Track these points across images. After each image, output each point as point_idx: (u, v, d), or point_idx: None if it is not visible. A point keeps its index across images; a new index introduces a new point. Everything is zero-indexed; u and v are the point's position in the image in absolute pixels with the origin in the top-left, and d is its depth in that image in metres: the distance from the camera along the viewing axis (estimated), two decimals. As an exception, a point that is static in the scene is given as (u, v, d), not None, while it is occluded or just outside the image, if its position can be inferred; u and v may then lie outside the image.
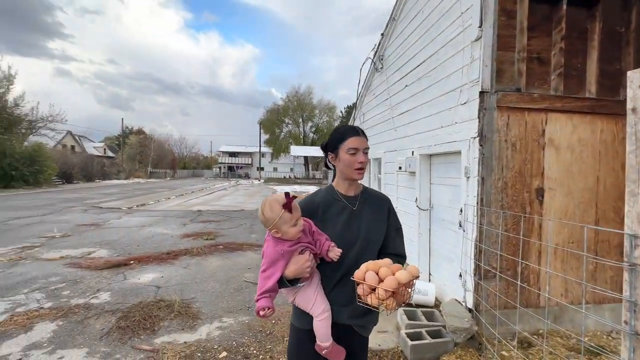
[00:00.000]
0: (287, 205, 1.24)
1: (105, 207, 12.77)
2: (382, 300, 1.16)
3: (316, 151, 39.32)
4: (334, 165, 1.47)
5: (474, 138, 3.10)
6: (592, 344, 2.95)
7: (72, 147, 41.17)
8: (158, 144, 53.11)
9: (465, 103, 3.26)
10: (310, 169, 47.38)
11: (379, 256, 1.44)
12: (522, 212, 3.10)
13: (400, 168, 4.81)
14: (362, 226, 1.42)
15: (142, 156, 48.25)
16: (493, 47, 3.03)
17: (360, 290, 1.22)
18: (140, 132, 55.58)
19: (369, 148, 1.42)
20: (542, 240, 3.14)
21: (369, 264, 1.24)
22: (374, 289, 1.18)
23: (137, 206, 13.40)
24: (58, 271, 5.08)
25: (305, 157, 45.08)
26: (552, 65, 3.25)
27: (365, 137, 1.43)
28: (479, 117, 3.06)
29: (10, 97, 22.88)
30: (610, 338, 3.21)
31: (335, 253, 1.34)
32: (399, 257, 1.46)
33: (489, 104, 3.03)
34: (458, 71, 3.38)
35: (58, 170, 25.24)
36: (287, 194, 1.26)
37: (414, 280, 1.22)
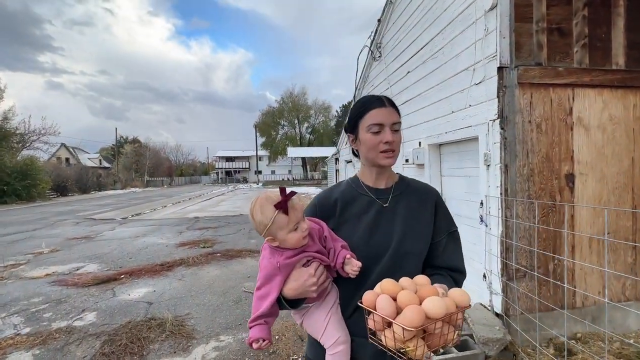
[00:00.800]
0: (281, 205, 0.91)
1: (99, 219, 12.35)
2: (403, 343, 0.74)
3: (313, 152, 38.99)
4: (358, 152, 1.11)
5: (494, 120, 2.75)
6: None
7: (67, 159, 40.64)
8: (154, 153, 52.59)
9: (480, 82, 2.91)
10: (308, 170, 47.00)
11: (423, 272, 1.05)
12: (551, 201, 2.75)
13: (407, 161, 4.45)
14: (395, 229, 1.03)
15: (138, 165, 47.72)
16: (511, 17, 2.68)
17: (371, 322, 0.82)
18: (135, 141, 55.08)
19: (400, 123, 1.04)
20: (576, 232, 2.78)
21: (386, 284, 0.83)
22: (390, 324, 0.77)
23: (132, 216, 12.98)
24: (42, 290, 4.69)
25: (303, 159, 44.71)
26: (574, 36, 2.89)
27: (395, 107, 1.04)
28: (498, 97, 2.70)
29: (-1, 111, 22.39)
30: (655, 338, 2.86)
31: (352, 267, 0.96)
32: (454, 273, 1.07)
33: (509, 80, 2.67)
34: (470, 47, 3.03)
35: (52, 184, 24.74)
36: (282, 189, 0.92)
37: (460, 314, 0.77)
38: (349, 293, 1.03)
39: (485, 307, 2.92)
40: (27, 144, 26.50)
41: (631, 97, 2.88)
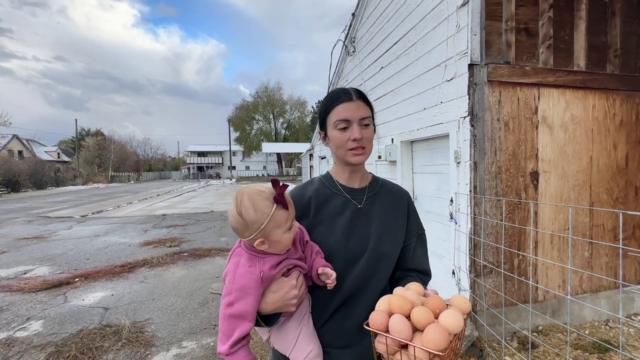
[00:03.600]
0: (281, 198, 0.80)
1: (54, 217, 11.43)
2: None
3: (289, 147, 38.60)
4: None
5: (464, 118, 2.75)
6: (596, 339, 2.72)
7: (20, 152, 37.41)
8: (119, 146, 49.69)
9: (451, 79, 2.90)
10: (283, 166, 46.52)
11: (394, 275, 1.04)
12: (517, 198, 2.80)
13: (379, 157, 4.42)
14: (371, 232, 0.98)
15: (101, 159, 44.85)
16: (482, 14, 2.68)
17: (380, 345, 0.73)
18: (98, 133, 51.68)
19: (370, 117, 0.97)
20: (539, 228, 2.86)
21: (395, 302, 0.74)
22: (405, 346, 0.70)
23: (93, 213, 12.15)
24: (-20, 298, 4.21)
25: (278, 154, 44.16)
26: (540, 37, 2.95)
27: (364, 100, 0.97)
28: (468, 94, 2.70)
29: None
30: (608, 327, 3.03)
31: (328, 278, 0.89)
32: (423, 276, 1.06)
33: (479, 78, 2.68)
34: (442, 44, 3.01)
35: (1, 179, 22.67)
36: (275, 181, 0.81)
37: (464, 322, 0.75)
38: (322, 300, 0.96)
39: (453, 303, 2.95)
40: (-28, 135, 24.08)
41: (590, 98, 3.00)
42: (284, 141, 44.64)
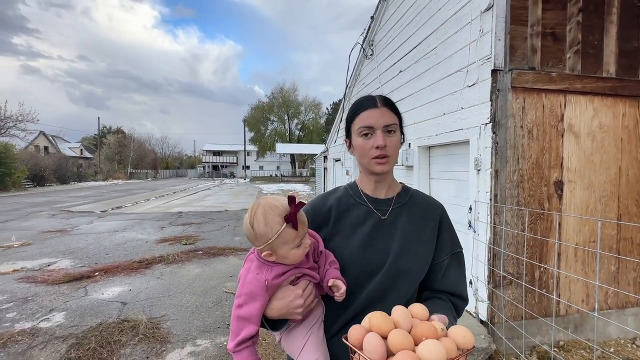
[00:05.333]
0: (292, 218, 0.80)
1: (76, 211, 11.87)
2: None
3: (302, 148, 38.76)
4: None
5: (486, 124, 2.69)
6: (621, 358, 2.60)
7: (46, 147, 39.08)
8: (138, 144, 51.16)
9: (473, 85, 2.84)
10: (297, 166, 46.73)
11: (419, 296, 0.97)
12: (539, 208, 2.72)
13: (396, 162, 4.37)
14: (392, 245, 0.93)
15: (121, 156, 46.31)
16: (506, 18, 2.62)
17: None
18: (118, 131, 53.38)
19: (396, 124, 0.93)
20: (562, 240, 2.76)
21: (375, 320, 0.68)
22: None
23: (112, 209, 12.54)
24: (7, 287, 4.40)
25: (292, 155, 44.41)
26: (567, 42, 2.86)
27: (390, 107, 0.94)
28: (491, 100, 2.64)
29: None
30: (635, 346, 2.89)
31: (337, 291, 0.88)
32: (455, 299, 0.97)
33: (503, 84, 2.61)
34: (464, 49, 2.96)
35: (28, 173, 23.70)
36: (292, 198, 0.81)
37: (463, 359, 0.63)
38: (335, 311, 0.94)
39: (470, 314, 2.88)
40: (3, 131, 25.29)
41: (621, 105, 2.87)
42: (298, 142, 44.83)
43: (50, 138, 41.22)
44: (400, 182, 1.05)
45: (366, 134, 0.91)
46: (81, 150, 45.70)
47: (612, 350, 2.78)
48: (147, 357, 2.80)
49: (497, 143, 2.63)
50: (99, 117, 48.25)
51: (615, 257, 2.90)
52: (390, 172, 0.99)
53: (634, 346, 2.88)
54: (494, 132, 2.64)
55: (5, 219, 10.10)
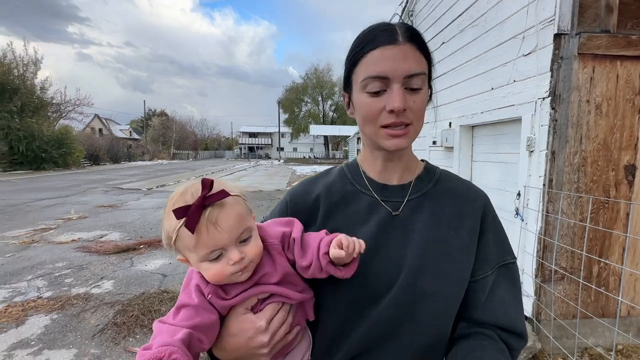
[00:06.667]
0: (184, 213, 0.52)
1: (126, 188, 12.85)
2: None
3: (336, 130, 38.35)
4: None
5: (543, 99, 2.35)
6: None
7: (100, 130, 42.56)
8: (180, 126, 53.90)
9: (530, 53, 2.48)
10: (330, 148, 46.56)
11: (454, 327, 0.65)
12: (604, 196, 2.37)
13: (434, 143, 4.08)
14: (408, 253, 0.63)
15: (165, 138, 49.23)
16: (577, -29, 2.20)
17: None
18: (162, 114, 56.54)
19: (424, 73, 0.60)
20: (630, 234, 2.40)
21: None
22: None
23: (157, 187, 13.40)
24: (67, 255, 4.88)
25: (325, 137, 44.20)
26: (654, -2, 2.37)
27: (418, 43, 0.60)
28: (551, 70, 2.29)
29: (36, 82, 23.39)
30: None
31: (340, 259, 0.56)
32: (508, 336, 0.63)
33: (567, 51, 2.24)
34: (521, 11, 2.57)
35: (85, 153, 26.05)
36: (205, 182, 0.54)
37: None
38: (325, 347, 0.65)
39: (512, 308, 2.66)
40: (63, 114, 27.79)
41: None
42: (331, 124, 44.45)
43: (104, 121, 44.74)
44: (422, 160, 0.74)
45: (376, 91, 0.59)
46: (130, 132, 49.18)
47: (683, 359, 2.43)
48: (183, 328, 2.95)
49: (556, 120, 2.29)
50: (144, 101, 51.37)
51: (696, 255, 2.48)
52: (409, 148, 0.68)
53: None
54: (552, 108, 2.30)
55: (66, 194, 11.20)
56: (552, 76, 2.28)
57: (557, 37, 2.24)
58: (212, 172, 21.79)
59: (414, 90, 0.59)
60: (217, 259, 0.55)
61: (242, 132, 61.42)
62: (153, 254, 4.95)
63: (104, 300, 3.47)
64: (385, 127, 0.60)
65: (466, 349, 0.60)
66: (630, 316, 2.51)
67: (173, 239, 0.55)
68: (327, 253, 0.56)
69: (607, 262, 2.40)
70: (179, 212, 0.52)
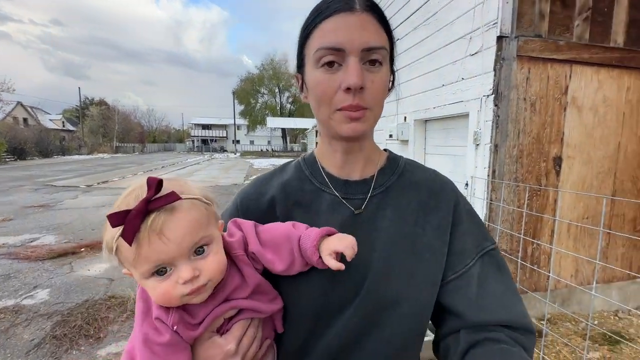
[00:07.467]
0: (127, 225, 0.42)
1: (60, 186, 11.51)
2: None
3: (294, 122, 38.10)
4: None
5: (488, 96, 2.55)
6: (604, 330, 2.67)
7: (25, 119, 37.38)
8: (123, 117, 49.41)
9: (476, 53, 2.67)
10: (288, 141, 46.19)
11: (458, 342, 0.56)
12: (537, 184, 2.66)
13: (390, 136, 4.24)
14: (373, 256, 0.57)
15: (105, 129, 44.83)
16: (516, -21, 2.41)
17: None
18: (102, 102, 51.26)
19: (385, 48, 0.53)
20: (557, 217, 2.74)
21: None
22: None
23: (98, 184, 12.21)
24: (-12, 264, 4.26)
25: (283, 129, 43.72)
26: (577, 8, 2.68)
27: (378, 14, 0.54)
28: (494, 70, 2.49)
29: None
30: (617, 318, 2.98)
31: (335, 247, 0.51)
32: (518, 334, 0.54)
33: (508, 52, 2.45)
34: (468, 13, 2.75)
35: (7, 146, 22.78)
36: (152, 181, 0.45)
37: None
38: (289, 359, 0.61)
39: (461, 289, 2.90)
40: (-24, 101, 23.96)
41: (626, 78, 2.76)
42: (289, 116, 44.02)
43: (29, 109, 39.35)
44: (384, 150, 0.68)
45: (330, 63, 0.51)
46: (63, 122, 43.94)
47: (596, 322, 2.86)
48: (136, 334, 2.75)
49: (499, 116, 2.51)
50: (79, 88, 46.17)
51: (606, 233, 2.91)
52: (369, 136, 0.62)
53: (616, 318, 2.97)
54: (495, 105, 2.51)
55: (-16, 193, 9.73)
56: (495, 75, 2.49)
57: (500, 39, 2.44)
58: (162, 167, 20.42)
59: (373, 65, 0.52)
60: (164, 275, 0.46)
61: (195, 124, 58.20)
62: (97, 257, 4.52)
63: (38, 311, 3.09)
64: (341, 109, 0.52)
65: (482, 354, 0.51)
66: (556, 289, 2.88)
67: (114, 249, 0.46)
68: (320, 257, 0.51)
69: (539, 242, 2.72)
70: (115, 219, 0.42)
